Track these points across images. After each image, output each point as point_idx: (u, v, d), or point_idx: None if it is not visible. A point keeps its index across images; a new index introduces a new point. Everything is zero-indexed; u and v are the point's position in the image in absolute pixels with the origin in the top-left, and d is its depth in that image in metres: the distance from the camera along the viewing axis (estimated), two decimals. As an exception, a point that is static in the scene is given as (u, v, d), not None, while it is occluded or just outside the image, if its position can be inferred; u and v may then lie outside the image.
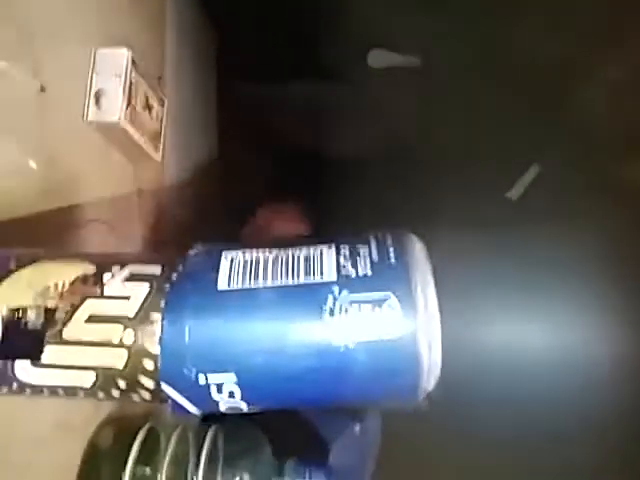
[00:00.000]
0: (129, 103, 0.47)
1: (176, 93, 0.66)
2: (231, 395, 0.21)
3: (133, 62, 0.47)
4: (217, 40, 0.84)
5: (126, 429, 0.43)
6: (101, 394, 0.22)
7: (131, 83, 0.47)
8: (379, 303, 0.20)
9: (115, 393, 0.22)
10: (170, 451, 0.44)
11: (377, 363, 0.20)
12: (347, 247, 0.21)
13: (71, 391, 0.22)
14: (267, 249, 0.22)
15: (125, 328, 0.21)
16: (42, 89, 0.38)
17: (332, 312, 0.20)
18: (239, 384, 0.21)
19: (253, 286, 0.21)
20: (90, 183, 0.45)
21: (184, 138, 0.70)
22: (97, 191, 0.46)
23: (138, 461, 0.45)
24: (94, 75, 0.45)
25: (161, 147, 0.55)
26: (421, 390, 0.21)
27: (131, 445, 0.43)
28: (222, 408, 0.22)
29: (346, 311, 0.20)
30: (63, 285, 0.22)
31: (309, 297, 0.20)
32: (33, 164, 0.36)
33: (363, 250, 0.21)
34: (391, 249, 0.21)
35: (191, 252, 0.23)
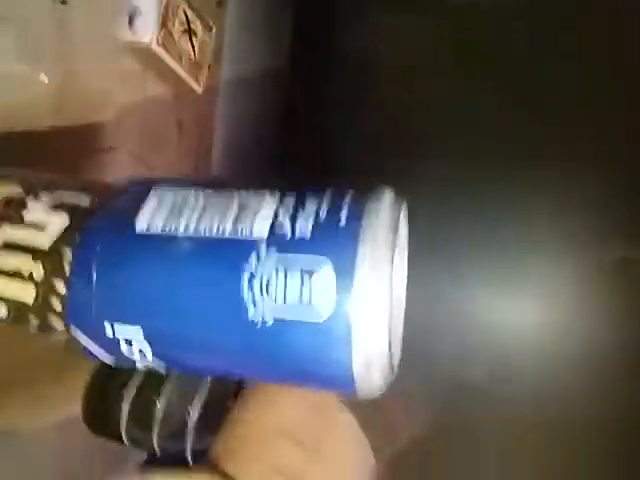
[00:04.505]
0: (164, 25, 0.44)
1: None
2: (142, 353, 0.18)
3: (172, -20, 0.43)
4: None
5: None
6: (21, 327, 0.20)
7: (168, 4, 0.44)
8: (310, 272, 0.16)
9: (32, 329, 0.20)
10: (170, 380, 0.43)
11: (299, 348, 0.16)
12: (293, 200, 0.17)
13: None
14: (202, 189, 0.18)
15: (36, 261, 0.19)
16: (63, 1, 0.36)
17: (252, 276, 0.16)
18: (148, 341, 0.18)
19: (172, 233, 0.17)
20: (117, 106, 0.43)
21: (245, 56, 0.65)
22: (125, 116, 0.45)
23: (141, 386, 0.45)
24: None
25: (203, 78, 0.52)
26: (362, 384, 0.17)
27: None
28: (139, 365, 0.19)
29: (269, 277, 0.16)
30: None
31: (229, 255, 0.17)
32: (45, 77, 0.35)
33: (311, 205, 0.17)
34: (345, 208, 0.17)
35: (119, 185, 0.20)
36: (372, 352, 0.16)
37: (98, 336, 0.19)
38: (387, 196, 0.18)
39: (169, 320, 0.17)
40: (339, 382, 0.17)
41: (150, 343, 0.18)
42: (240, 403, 0.24)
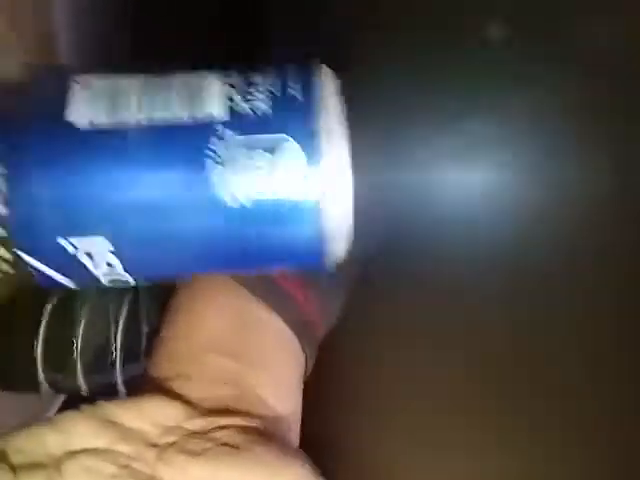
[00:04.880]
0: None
1: None
2: (110, 265, 0.17)
3: None
4: None
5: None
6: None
7: None
8: (274, 148, 0.16)
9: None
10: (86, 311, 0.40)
11: (271, 224, 0.16)
12: (241, 77, 0.17)
13: None
14: (132, 74, 0.17)
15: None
16: None
17: (217, 159, 0.16)
18: (116, 252, 0.17)
19: (121, 126, 0.16)
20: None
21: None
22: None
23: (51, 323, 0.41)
24: None
25: None
26: (328, 256, 0.18)
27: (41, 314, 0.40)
28: (104, 282, 0.18)
29: (234, 158, 0.16)
30: None
31: (189, 138, 0.16)
32: None
33: (261, 82, 0.17)
34: (295, 82, 0.17)
35: (35, 76, 0.17)
36: (340, 222, 0.17)
37: (54, 257, 0.17)
38: (327, 70, 0.18)
39: (136, 221, 0.16)
40: (309, 256, 0.18)
41: (117, 252, 0.17)
42: (167, 321, 0.23)
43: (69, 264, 0.17)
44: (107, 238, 0.17)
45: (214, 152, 0.16)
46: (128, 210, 0.16)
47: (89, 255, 0.17)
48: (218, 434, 0.18)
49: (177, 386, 0.20)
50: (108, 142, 0.16)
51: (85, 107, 0.16)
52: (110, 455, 0.17)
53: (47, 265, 0.17)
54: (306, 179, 0.16)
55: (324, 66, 0.17)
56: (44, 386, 0.40)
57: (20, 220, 0.16)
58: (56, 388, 0.40)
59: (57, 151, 0.16)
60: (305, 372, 0.24)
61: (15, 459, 0.16)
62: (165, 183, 0.16)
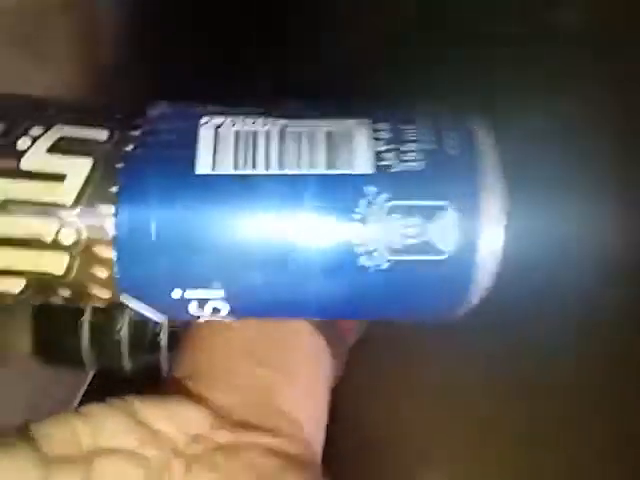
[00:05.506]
0: None
1: None
2: (216, 311, 0.16)
3: None
4: None
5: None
6: (38, 300, 0.16)
7: None
8: (430, 214, 0.14)
9: (57, 300, 0.16)
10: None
11: (413, 287, 0.15)
12: (388, 125, 0.15)
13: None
14: (269, 118, 0.15)
15: (61, 223, 0.14)
16: None
17: (364, 219, 0.14)
18: (228, 300, 0.15)
19: (249, 172, 0.14)
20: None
21: None
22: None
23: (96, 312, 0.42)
24: None
25: None
26: (462, 311, 0.17)
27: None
28: (200, 320, 0.17)
29: (382, 220, 0.14)
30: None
31: (333, 194, 0.14)
32: None
33: (411, 132, 0.15)
34: (451, 133, 0.15)
35: (153, 111, 0.15)
36: (488, 285, 0.16)
37: (159, 302, 0.16)
38: (482, 120, 0.16)
39: (261, 277, 0.15)
40: (444, 315, 0.16)
41: (231, 302, 0.15)
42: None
43: (172, 307, 0.16)
44: (224, 290, 0.15)
45: (362, 212, 0.14)
46: (255, 264, 0.15)
47: (199, 301, 0.16)
48: (248, 454, 0.18)
49: (200, 388, 0.19)
50: (232, 191, 0.14)
51: (209, 151, 0.14)
52: (140, 459, 0.16)
53: (148, 306, 0.16)
54: (458, 243, 0.14)
55: (478, 114, 0.15)
56: (89, 363, 0.39)
57: (128, 266, 0.15)
58: (100, 366, 0.39)
59: (175, 196, 0.14)
60: (334, 380, 0.24)
61: (46, 448, 0.15)
62: (298, 239, 0.14)
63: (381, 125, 0.15)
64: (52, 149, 0.14)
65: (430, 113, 0.15)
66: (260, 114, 0.15)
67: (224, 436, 0.18)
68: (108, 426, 0.16)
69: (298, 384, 0.21)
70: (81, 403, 0.45)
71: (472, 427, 0.19)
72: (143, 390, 0.18)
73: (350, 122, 0.15)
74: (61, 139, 0.15)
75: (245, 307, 0.16)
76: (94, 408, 0.17)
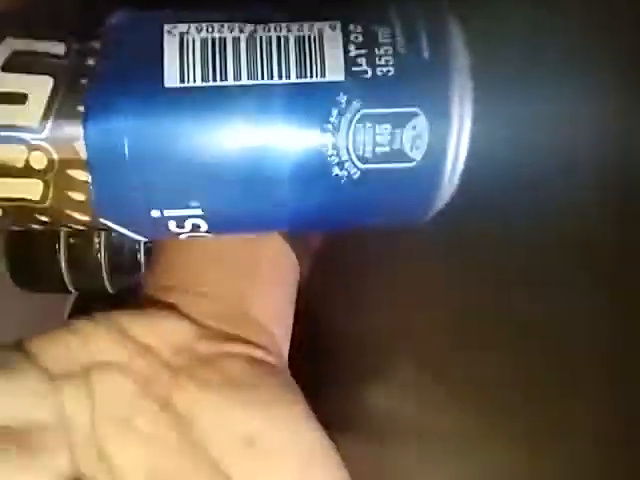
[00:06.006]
0: None
1: None
2: (195, 228, 0.16)
3: None
4: None
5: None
6: (17, 226, 0.16)
7: None
8: (401, 122, 0.14)
9: (36, 225, 0.16)
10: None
11: (385, 194, 0.16)
12: (360, 28, 0.14)
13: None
14: (235, 23, 0.14)
15: (29, 147, 0.14)
16: None
17: (336, 128, 0.14)
18: (206, 217, 0.16)
19: (220, 83, 0.14)
20: None
21: None
22: None
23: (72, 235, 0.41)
24: None
25: None
26: (430, 213, 0.17)
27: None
28: (181, 238, 0.17)
29: (354, 129, 0.14)
30: None
31: (304, 103, 0.14)
32: None
33: (384, 34, 0.14)
34: (424, 35, 0.14)
35: (111, 20, 0.14)
36: (452, 186, 0.16)
37: (138, 222, 0.16)
38: (457, 24, 0.15)
39: (236, 190, 0.15)
40: (414, 216, 0.17)
41: (209, 219, 0.16)
42: None
43: (151, 226, 0.16)
44: (202, 208, 0.15)
45: (333, 122, 0.14)
46: (232, 179, 0.15)
47: (177, 219, 0.16)
48: (227, 364, 0.19)
49: (177, 299, 0.20)
50: (203, 104, 0.14)
51: (176, 63, 0.13)
52: (131, 372, 0.17)
53: (127, 228, 0.16)
54: (429, 148, 0.15)
55: (451, 13, 0.15)
56: (70, 286, 0.39)
57: (107, 190, 0.15)
58: (82, 288, 0.39)
59: (146, 113, 0.14)
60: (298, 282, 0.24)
61: (47, 364, 0.15)
62: (271, 151, 0.14)
63: (353, 27, 0.14)
64: (6, 67, 0.14)
65: (403, 13, 0.15)
66: (226, 19, 0.14)
67: (205, 347, 0.19)
68: (98, 340, 0.17)
69: (268, 292, 0.22)
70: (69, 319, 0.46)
71: (440, 317, 0.20)
72: (126, 307, 0.19)
73: (321, 25, 0.14)
74: (14, 54, 0.14)
75: (222, 223, 0.16)
76: (83, 324, 0.17)
